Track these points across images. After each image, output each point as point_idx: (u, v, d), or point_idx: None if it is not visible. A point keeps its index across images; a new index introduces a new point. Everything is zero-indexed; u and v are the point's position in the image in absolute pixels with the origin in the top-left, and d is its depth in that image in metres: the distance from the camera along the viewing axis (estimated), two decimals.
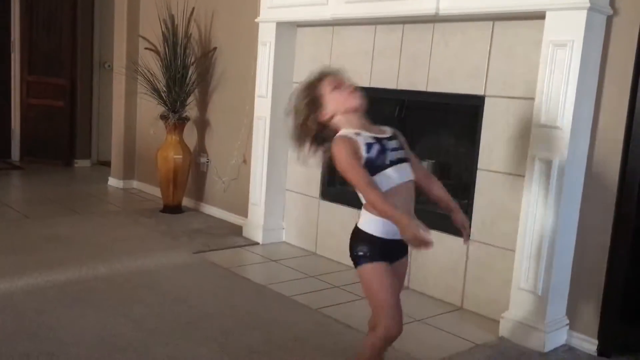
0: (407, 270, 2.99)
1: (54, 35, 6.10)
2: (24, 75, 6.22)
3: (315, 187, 3.59)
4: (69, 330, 2.29)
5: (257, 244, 3.72)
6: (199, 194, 4.58)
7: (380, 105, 3.47)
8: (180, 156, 4.31)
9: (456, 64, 2.83)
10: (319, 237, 3.58)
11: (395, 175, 1.71)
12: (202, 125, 4.54)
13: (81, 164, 6.32)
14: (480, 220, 2.76)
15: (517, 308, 2.49)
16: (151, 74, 4.36)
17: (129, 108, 5.22)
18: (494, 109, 2.70)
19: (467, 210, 2.81)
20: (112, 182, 5.40)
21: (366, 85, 3.24)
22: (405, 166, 1.75)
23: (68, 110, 6.17)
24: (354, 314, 2.60)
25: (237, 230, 3.93)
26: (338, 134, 1.73)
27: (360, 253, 1.74)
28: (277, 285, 2.99)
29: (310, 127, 1.77)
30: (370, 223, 1.73)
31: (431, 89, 2.94)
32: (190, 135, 4.53)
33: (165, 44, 4.34)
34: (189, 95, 4.39)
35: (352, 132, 1.72)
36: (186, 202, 4.55)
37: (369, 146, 1.69)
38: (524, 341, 2.44)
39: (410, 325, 2.59)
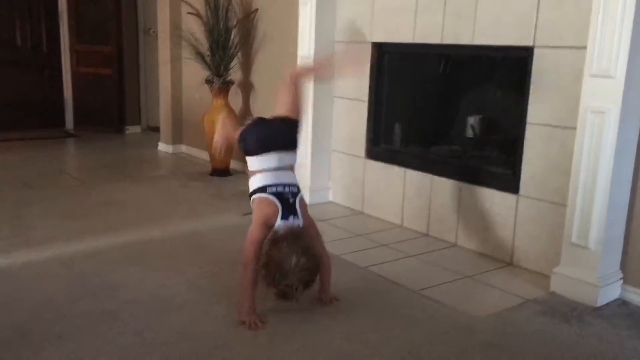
0: (455, 226, 3.00)
1: (100, 3, 6.19)
2: (73, 45, 6.36)
3: (361, 146, 3.58)
4: (128, 289, 2.40)
5: None
6: None
7: (425, 61, 3.41)
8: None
9: (503, 14, 2.74)
10: (365, 196, 3.59)
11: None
12: (247, 88, 4.57)
13: (132, 130, 6.48)
14: (530, 175, 2.71)
15: (568, 263, 2.46)
16: (195, 38, 4.39)
17: (175, 73, 5.29)
18: (543, 60, 2.60)
19: (516, 164, 2.76)
20: (162, 147, 5.53)
21: (409, 41, 3.17)
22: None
23: (116, 77, 6.31)
24: (402, 272, 2.61)
25: None
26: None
27: None
28: (326, 244, 3.02)
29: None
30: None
31: (477, 42, 2.86)
32: (235, 98, 4.56)
33: (207, 7, 4.35)
34: (233, 59, 4.41)
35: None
36: (234, 165, 4.62)
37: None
38: (575, 296, 2.41)
39: (458, 281, 2.59)
